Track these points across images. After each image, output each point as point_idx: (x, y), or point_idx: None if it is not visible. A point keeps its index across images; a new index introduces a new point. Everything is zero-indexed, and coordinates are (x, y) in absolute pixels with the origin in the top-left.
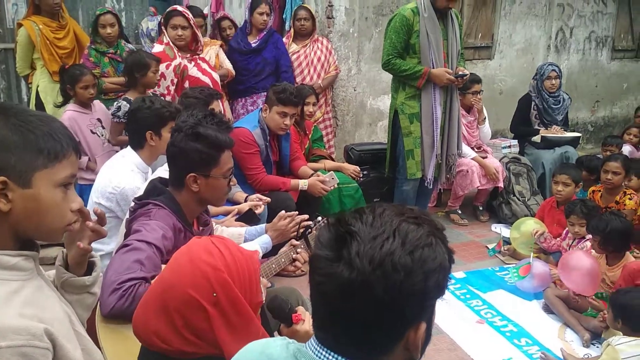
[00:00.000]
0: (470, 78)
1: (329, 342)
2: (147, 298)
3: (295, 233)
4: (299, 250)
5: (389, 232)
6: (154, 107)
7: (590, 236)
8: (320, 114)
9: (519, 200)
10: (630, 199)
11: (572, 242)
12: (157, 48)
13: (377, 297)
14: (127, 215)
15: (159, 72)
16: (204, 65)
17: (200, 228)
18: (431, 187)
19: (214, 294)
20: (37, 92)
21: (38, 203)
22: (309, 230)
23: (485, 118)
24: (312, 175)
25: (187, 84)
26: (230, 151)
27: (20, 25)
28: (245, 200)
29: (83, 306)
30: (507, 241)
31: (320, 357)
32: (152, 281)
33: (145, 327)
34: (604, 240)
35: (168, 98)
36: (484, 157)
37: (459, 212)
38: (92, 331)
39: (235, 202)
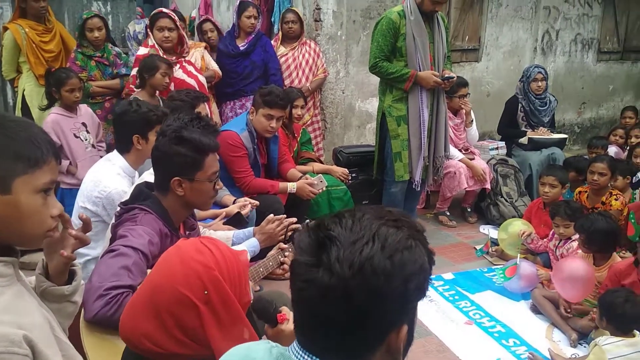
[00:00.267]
0: (457, 81)
1: (311, 346)
2: (134, 301)
3: (284, 236)
4: (287, 253)
5: (368, 237)
6: (140, 111)
7: (577, 236)
8: (309, 116)
9: (506, 201)
10: (616, 200)
11: (559, 243)
12: (142, 51)
13: (358, 301)
14: (113, 220)
15: (170, 76)
16: (190, 68)
17: (187, 232)
18: (419, 189)
19: (205, 292)
20: (24, 96)
21: (18, 209)
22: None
23: (472, 121)
24: (300, 178)
25: (172, 87)
26: (216, 154)
27: (6, 28)
28: (234, 204)
29: (64, 315)
30: (495, 242)
31: None
32: (139, 286)
33: (134, 330)
34: (588, 240)
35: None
36: (471, 159)
37: (448, 213)
38: (76, 336)
39: (223, 206)
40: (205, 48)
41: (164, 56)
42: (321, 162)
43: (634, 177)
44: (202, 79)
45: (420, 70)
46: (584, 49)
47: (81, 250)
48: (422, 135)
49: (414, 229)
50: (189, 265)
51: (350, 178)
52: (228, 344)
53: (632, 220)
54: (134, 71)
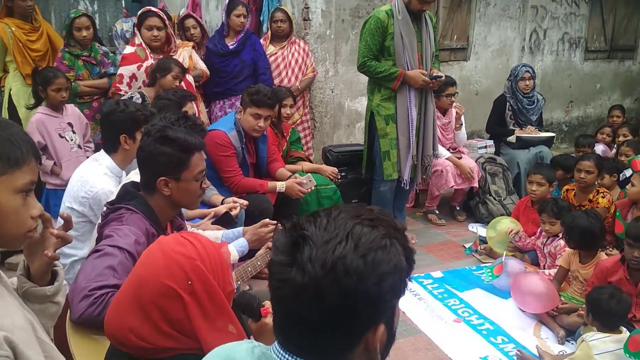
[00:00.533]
0: (445, 80)
1: (288, 345)
2: (119, 297)
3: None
4: None
5: (342, 236)
6: (128, 110)
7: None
8: (298, 116)
9: (495, 199)
10: (603, 197)
11: (546, 241)
12: (129, 49)
13: (331, 301)
14: (100, 220)
15: (181, 80)
16: None
17: (174, 232)
18: (407, 187)
19: (189, 282)
20: (10, 96)
21: None
22: (275, 233)
23: (462, 124)
24: (289, 177)
25: None
26: (202, 153)
27: None
28: (222, 203)
29: (46, 315)
30: (483, 240)
31: None
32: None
33: (120, 326)
34: (567, 234)
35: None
36: (458, 158)
37: (437, 212)
38: (63, 337)
39: (212, 205)
40: (193, 47)
41: (151, 55)
42: (310, 161)
43: (621, 175)
44: (190, 78)
45: (408, 69)
46: (571, 47)
47: (68, 250)
48: (410, 134)
49: (391, 228)
50: (171, 257)
51: (339, 177)
52: (214, 334)
53: (619, 218)
54: (121, 70)
